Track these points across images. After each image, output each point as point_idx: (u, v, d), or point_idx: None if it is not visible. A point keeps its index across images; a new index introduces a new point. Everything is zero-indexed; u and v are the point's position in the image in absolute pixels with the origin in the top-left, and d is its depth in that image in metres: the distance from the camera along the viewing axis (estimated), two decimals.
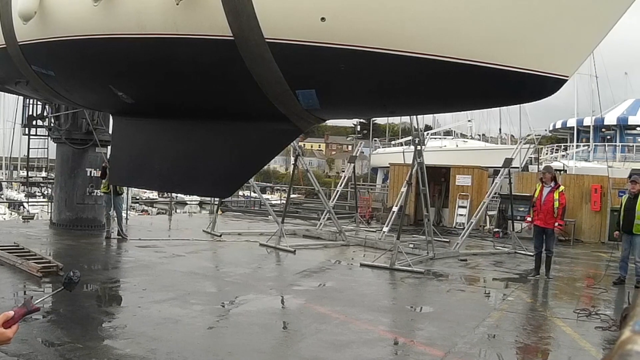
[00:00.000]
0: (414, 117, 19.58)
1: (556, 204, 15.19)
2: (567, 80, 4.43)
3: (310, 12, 4.55)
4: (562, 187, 15.73)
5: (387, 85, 4.85)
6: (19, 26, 6.24)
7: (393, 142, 55.72)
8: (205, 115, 6.07)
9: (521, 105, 31.49)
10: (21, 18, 5.82)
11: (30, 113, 21.02)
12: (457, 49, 4.35)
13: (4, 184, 45.22)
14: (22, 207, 35.36)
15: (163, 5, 4.97)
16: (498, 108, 37.93)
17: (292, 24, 4.64)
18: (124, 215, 19.44)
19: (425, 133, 43.97)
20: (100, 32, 5.54)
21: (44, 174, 38.90)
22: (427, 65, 4.40)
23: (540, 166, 33.47)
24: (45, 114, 20.95)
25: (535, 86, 4.49)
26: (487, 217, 27.14)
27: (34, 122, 21.30)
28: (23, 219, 25.07)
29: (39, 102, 20.33)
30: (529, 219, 16.81)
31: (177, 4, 4.76)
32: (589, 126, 42.00)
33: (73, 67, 6.42)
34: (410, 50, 4.40)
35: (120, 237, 18.30)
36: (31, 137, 22.01)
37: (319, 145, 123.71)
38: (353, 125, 75.97)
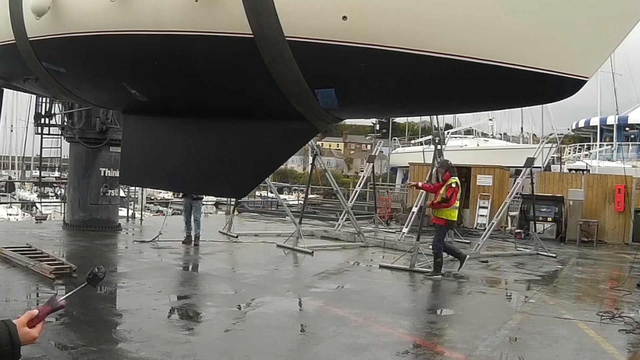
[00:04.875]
0: (434, 116, 19.40)
1: (439, 197, 15.16)
2: (587, 81, 4.37)
3: (331, 11, 4.47)
4: (452, 180, 15.34)
5: (407, 85, 4.76)
6: (29, 21, 6.13)
7: (413, 142, 55.64)
8: (221, 113, 5.98)
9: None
10: (34, 13, 5.69)
11: (38, 111, 20.91)
12: (478, 49, 4.29)
13: (16, 184, 45.36)
14: (34, 207, 35.25)
15: (181, 1, 4.91)
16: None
17: (313, 22, 4.57)
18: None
19: (446, 132, 43.80)
20: (116, 29, 5.44)
21: (57, 173, 38.90)
22: (448, 65, 4.34)
23: (563, 166, 33.28)
24: (53, 111, 20.83)
25: (555, 87, 4.42)
26: (509, 217, 26.92)
27: (44, 121, 21.19)
28: (36, 219, 24.96)
29: (53, 101, 20.20)
30: None
31: (196, 1, 4.70)
32: (613, 125, 41.63)
33: (86, 63, 6.31)
34: (432, 49, 4.35)
35: (195, 243, 18.06)
36: (44, 136, 21.91)
37: (337, 144, 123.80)
38: (372, 125, 75.96)
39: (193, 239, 18.09)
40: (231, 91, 5.59)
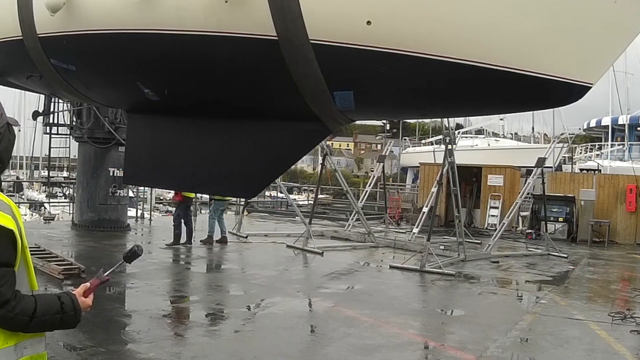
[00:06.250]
0: None
1: None
2: (592, 87, 4.57)
3: (356, 15, 4.58)
4: None
5: (424, 88, 4.90)
6: (39, 18, 6.06)
7: (423, 141, 55.53)
8: (235, 113, 5.98)
9: None
10: (49, 9, 5.61)
11: (37, 109, 20.84)
12: (491, 55, 4.47)
13: (24, 184, 45.29)
14: (43, 207, 35.14)
15: (206, 2, 4.96)
16: None
17: (338, 26, 4.67)
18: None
19: (456, 132, 43.66)
20: (137, 27, 5.43)
21: (65, 173, 38.84)
22: (464, 70, 4.51)
23: (574, 166, 33.11)
24: (53, 109, 20.73)
25: (562, 92, 4.62)
26: (520, 218, 26.82)
27: (52, 120, 21.14)
28: (44, 219, 24.91)
29: (59, 100, 20.09)
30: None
31: (226, 2, 4.75)
32: (624, 125, 41.32)
33: (101, 62, 6.22)
34: (449, 55, 4.51)
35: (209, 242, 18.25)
36: (52, 136, 21.83)
37: (348, 144, 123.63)
38: (382, 124, 75.98)
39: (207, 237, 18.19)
40: (250, 91, 5.62)
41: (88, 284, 3.23)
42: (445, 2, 4.53)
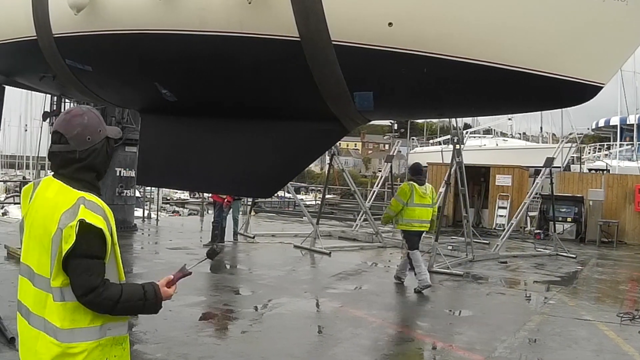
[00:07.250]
0: None
1: None
2: (603, 87, 4.74)
3: (378, 17, 4.69)
4: None
5: (443, 89, 5.03)
6: (56, 17, 6.03)
7: (431, 141, 55.45)
8: (253, 114, 6.03)
9: None
10: (73, 8, 5.59)
11: (43, 108, 20.87)
12: (509, 57, 4.61)
13: None
14: None
15: (229, 3, 5.02)
16: None
17: (360, 28, 4.78)
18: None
19: (464, 132, 43.60)
20: (158, 27, 5.49)
21: None
22: (482, 71, 4.64)
23: (582, 166, 33.00)
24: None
25: (575, 92, 4.78)
26: (528, 218, 26.74)
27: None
28: None
29: (66, 100, 20.01)
30: None
31: (250, 3, 4.81)
32: (633, 125, 41.16)
33: (121, 62, 6.22)
34: (468, 56, 4.65)
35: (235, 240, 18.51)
36: None
37: (355, 144, 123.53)
38: (390, 124, 75.87)
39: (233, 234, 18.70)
40: (270, 92, 5.70)
41: (171, 276, 3.60)
42: (464, 4, 4.63)
